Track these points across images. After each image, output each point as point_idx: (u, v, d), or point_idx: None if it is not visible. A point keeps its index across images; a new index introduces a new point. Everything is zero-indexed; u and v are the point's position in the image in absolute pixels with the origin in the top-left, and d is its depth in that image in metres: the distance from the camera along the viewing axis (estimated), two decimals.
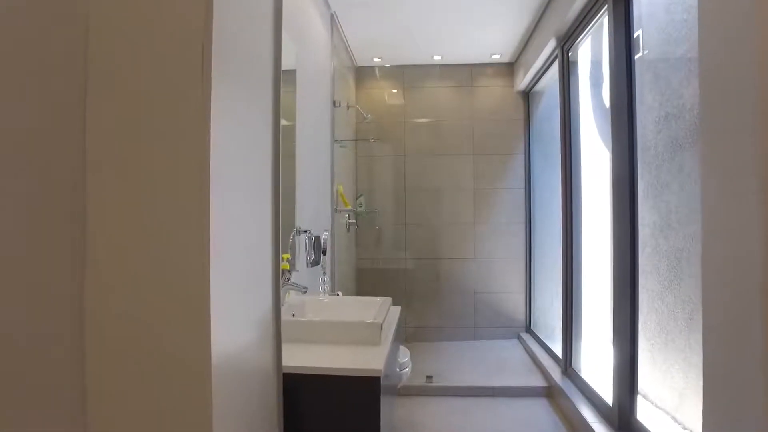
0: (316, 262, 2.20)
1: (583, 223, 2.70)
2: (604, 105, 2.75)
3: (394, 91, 3.91)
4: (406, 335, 3.76)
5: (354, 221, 3.65)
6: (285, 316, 1.56)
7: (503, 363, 3.22)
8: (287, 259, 1.66)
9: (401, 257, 3.87)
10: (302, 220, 2.23)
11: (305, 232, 2.18)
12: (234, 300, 0.82)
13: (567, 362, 2.71)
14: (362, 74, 3.95)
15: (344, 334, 1.35)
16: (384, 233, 3.92)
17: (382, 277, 3.88)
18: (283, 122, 2.09)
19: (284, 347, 1.28)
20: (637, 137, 1.98)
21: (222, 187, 0.77)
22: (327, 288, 2.13)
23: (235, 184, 0.84)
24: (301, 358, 1.21)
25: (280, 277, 1.08)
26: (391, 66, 3.90)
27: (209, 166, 0.73)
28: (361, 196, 3.79)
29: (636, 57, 2.00)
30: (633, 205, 1.98)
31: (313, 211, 2.52)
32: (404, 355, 2.33)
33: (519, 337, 3.75)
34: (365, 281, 3.89)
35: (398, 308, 1.85)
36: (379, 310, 1.51)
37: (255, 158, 0.96)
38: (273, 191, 1.07)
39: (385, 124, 3.88)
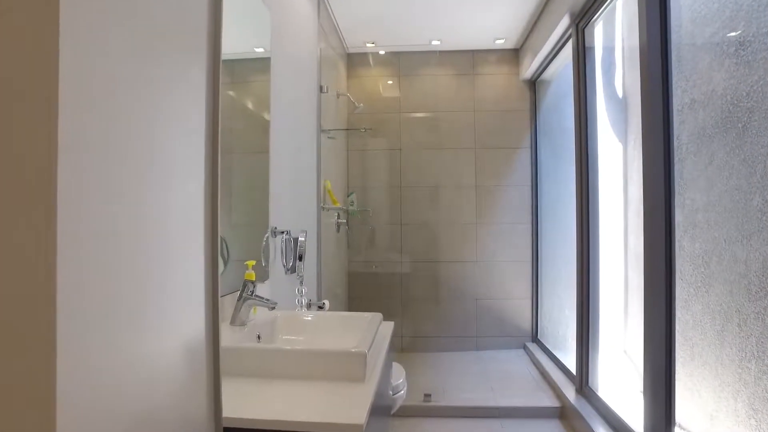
0: (294, 269, 1.89)
1: (600, 222, 2.40)
2: (616, 94, 2.48)
3: (390, 82, 3.60)
4: (402, 346, 3.45)
5: (344, 221, 3.34)
6: (248, 340, 1.25)
7: (509, 378, 2.92)
8: (252, 266, 1.35)
9: (397, 260, 3.56)
10: (280, 219, 1.92)
11: (282, 233, 1.87)
12: (105, 329, 0.52)
13: (583, 379, 2.41)
14: (354, 61, 3.64)
15: (319, 366, 1.04)
16: (378, 234, 3.61)
17: (375, 282, 3.56)
18: (250, 106, 1.82)
19: (238, 386, 0.97)
20: (673, 129, 1.71)
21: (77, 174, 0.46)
22: (304, 300, 1.81)
23: (105, 170, 0.53)
24: (254, 404, 0.90)
25: (217, 291, 0.78)
26: (386, 53, 3.59)
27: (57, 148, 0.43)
28: (352, 193, 3.48)
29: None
30: (669, 203, 1.69)
31: (294, 209, 2.21)
32: (399, 374, 2.02)
33: (525, 348, 3.44)
34: (357, 287, 3.57)
35: (391, 324, 1.55)
36: (366, 332, 1.20)
37: (169, 142, 0.66)
38: (209, 181, 0.77)
39: (379, 116, 3.57)
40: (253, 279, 1.33)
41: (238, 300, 1.30)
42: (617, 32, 2.42)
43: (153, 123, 0.62)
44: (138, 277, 0.59)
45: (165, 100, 0.65)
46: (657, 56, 1.74)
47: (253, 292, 1.31)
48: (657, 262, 1.71)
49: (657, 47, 1.74)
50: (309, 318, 1.50)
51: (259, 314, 1.41)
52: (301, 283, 1.85)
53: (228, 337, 1.19)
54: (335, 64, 3.22)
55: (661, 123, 1.72)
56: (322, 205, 2.65)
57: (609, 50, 2.43)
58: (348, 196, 3.45)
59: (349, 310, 3.44)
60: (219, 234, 0.80)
